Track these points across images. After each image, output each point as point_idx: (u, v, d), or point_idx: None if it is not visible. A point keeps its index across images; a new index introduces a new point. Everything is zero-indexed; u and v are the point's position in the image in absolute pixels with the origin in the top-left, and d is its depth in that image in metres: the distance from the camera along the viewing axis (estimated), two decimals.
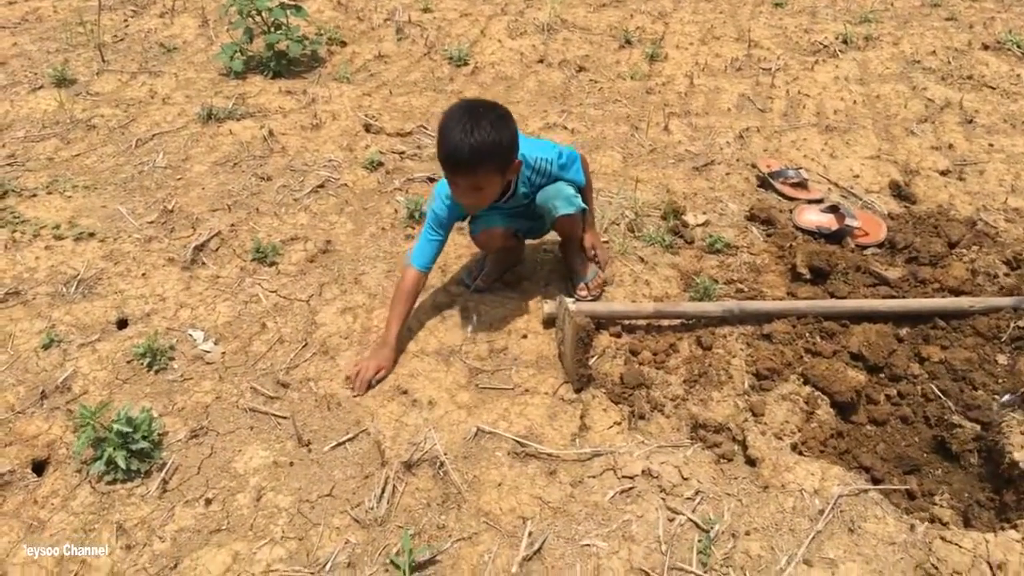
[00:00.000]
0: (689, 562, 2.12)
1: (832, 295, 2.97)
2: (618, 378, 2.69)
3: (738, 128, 4.24)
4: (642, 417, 2.55)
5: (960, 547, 2.10)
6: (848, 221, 3.29)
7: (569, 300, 2.69)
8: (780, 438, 2.48)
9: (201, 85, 4.78)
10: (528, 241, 3.18)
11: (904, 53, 5.05)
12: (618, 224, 3.47)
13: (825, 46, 5.20)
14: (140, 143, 4.13)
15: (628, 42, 5.26)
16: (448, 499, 2.30)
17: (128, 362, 2.76)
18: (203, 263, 3.25)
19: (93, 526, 2.21)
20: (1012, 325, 2.74)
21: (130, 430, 2.35)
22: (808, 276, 3.07)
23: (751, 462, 2.42)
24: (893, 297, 2.94)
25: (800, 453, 2.45)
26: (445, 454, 2.39)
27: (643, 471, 2.35)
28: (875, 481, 2.38)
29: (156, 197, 3.68)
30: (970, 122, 4.26)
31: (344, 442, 2.48)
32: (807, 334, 2.80)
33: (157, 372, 2.72)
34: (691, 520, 2.22)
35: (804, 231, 3.36)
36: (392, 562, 2.12)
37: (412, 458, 2.39)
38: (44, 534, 2.19)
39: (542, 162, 2.69)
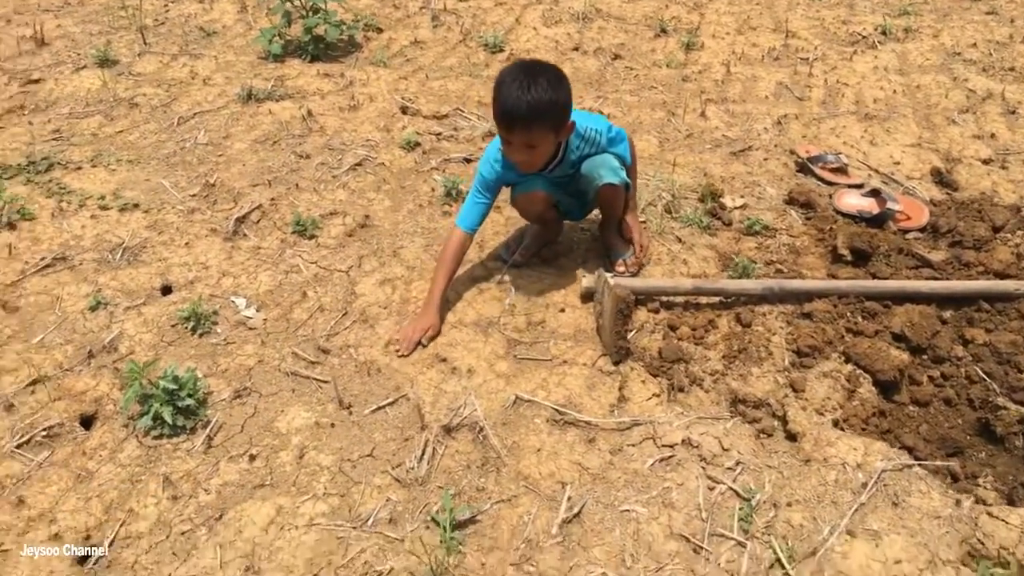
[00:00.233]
0: (730, 529, 2.11)
1: (874, 276, 2.95)
2: (656, 352, 2.69)
3: (776, 115, 4.22)
4: (681, 390, 2.54)
5: (1007, 523, 2.07)
6: (890, 205, 3.26)
7: (608, 273, 2.69)
8: (821, 414, 2.46)
9: (240, 68, 4.83)
10: (566, 223, 3.20)
11: (944, 45, 4.99)
12: (655, 205, 3.47)
13: (864, 37, 5.16)
14: (182, 121, 4.19)
15: (663, 31, 5.25)
16: (487, 462, 2.31)
17: (172, 326, 2.80)
18: (244, 235, 3.29)
19: (140, 478, 2.25)
20: None
21: (176, 387, 2.38)
22: (849, 257, 3.04)
23: (791, 437, 2.40)
24: (936, 279, 2.91)
25: (841, 429, 2.43)
26: (484, 420, 2.40)
27: (683, 440, 2.34)
28: (918, 460, 2.36)
29: (198, 172, 3.73)
30: (1012, 112, 4.21)
31: (384, 406, 2.50)
32: (848, 314, 2.78)
33: (201, 336, 2.76)
34: (732, 489, 2.22)
35: (844, 215, 3.34)
36: (433, 519, 2.13)
37: (452, 422, 2.40)
38: (92, 484, 2.23)
39: (592, 132, 2.71)
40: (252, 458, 2.31)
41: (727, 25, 5.39)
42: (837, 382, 2.57)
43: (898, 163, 3.80)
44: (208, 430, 2.39)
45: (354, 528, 2.12)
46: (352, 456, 2.33)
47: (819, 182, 3.63)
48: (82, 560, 2.05)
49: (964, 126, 4.08)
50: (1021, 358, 2.61)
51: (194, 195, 3.54)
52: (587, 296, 2.88)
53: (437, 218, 3.42)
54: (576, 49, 5.07)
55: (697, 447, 2.32)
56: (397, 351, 2.66)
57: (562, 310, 2.88)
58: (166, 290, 3.01)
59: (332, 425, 2.43)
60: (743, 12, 5.60)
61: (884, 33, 5.18)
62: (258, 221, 3.37)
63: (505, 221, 3.39)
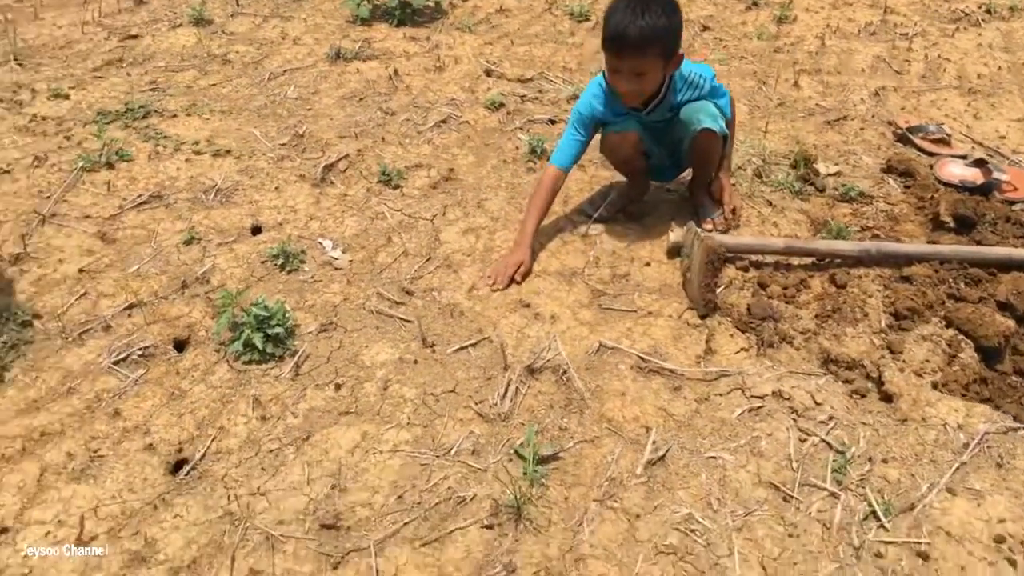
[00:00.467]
0: (823, 479, 2.04)
1: (979, 244, 2.81)
2: (745, 309, 2.62)
3: (873, 86, 4.07)
4: (770, 346, 2.47)
5: None
6: (996, 175, 3.11)
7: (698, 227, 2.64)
8: (920, 375, 2.36)
9: (329, 30, 4.90)
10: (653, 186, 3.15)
11: None
12: (744, 169, 3.38)
13: (967, 14, 4.94)
14: (272, 77, 4.27)
15: (755, 4, 5.13)
16: (571, 404, 2.29)
17: (262, 263, 2.85)
18: (331, 182, 3.34)
19: (230, 398, 2.29)
20: None
21: (267, 315, 2.42)
22: (952, 225, 2.91)
23: (887, 398, 2.31)
24: None
25: (940, 393, 2.33)
26: (568, 363, 2.38)
27: (773, 392, 2.28)
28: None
29: (287, 123, 3.80)
30: None
31: (467, 346, 2.50)
32: (950, 279, 2.66)
33: (289, 273, 2.81)
34: (824, 441, 2.14)
35: (946, 184, 3.20)
36: (516, 452, 2.12)
37: (535, 364, 2.38)
38: (184, 401, 2.28)
39: (697, 77, 2.66)
40: (338, 387, 2.34)
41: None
42: (937, 346, 2.47)
43: (1003, 137, 3.63)
44: (296, 359, 2.42)
45: (437, 456, 2.12)
46: (435, 391, 2.34)
47: (919, 152, 3.49)
48: (175, 470, 2.10)
49: None
50: None
51: (284, 144, 3.60)
52: (674, 251, 2.83)
53: (521, 174, 3.41)
54: None
55: (788, 399, 2.25)
56: (491, 286, 2.67)
57: (647, 264, 2.83)
58: (256, 230, 3.07)
59: (415, 361, 2.44)
60: None
61: (989, 12, 4.96)
62: (345, 170, 3.41)
63: (590, 179, 3.36)
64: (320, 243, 2.96)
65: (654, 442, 2.16)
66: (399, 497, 2.01)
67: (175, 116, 3.81)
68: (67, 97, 3.94)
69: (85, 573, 1.81)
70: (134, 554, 1.85)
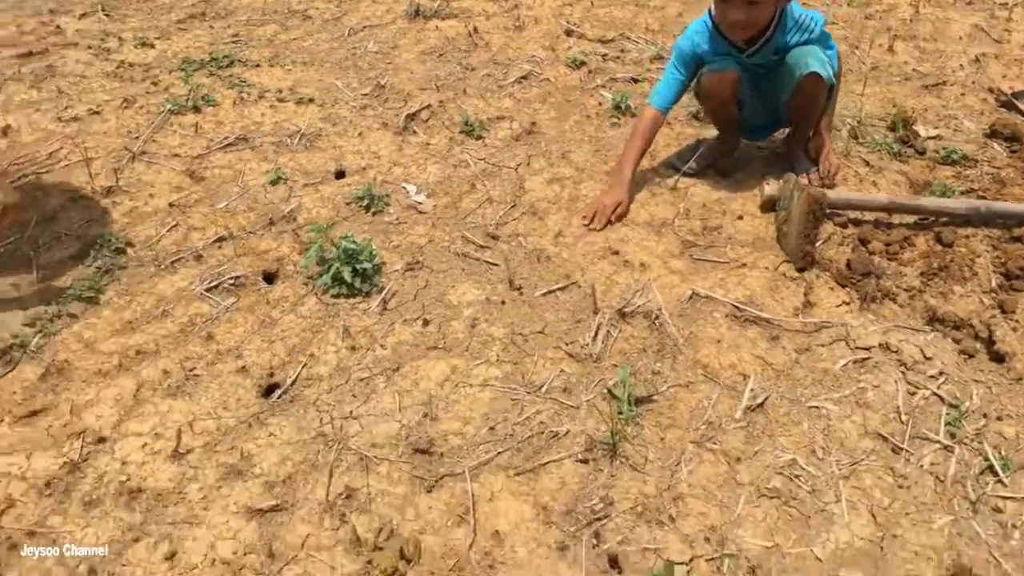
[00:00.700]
0: (936, 432, 1.95)
1: None
2: (844, 264, 2.52)
3: (972, 53, 3.90)
4: (873, 301, 2.37)
5: None
6: None
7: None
8: None
9: None
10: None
11: None
12: (839, 130, 3.26)
13: None
14: (352, 32, 4.27)
15: None
16: (664, 348, 2.22)
17: (347, 204, 2.85)
18: (414, 131, 3.31)
19: (320, 329, 2.29)
20: None
21: (355, 248, 2.41)
22: None
23: (998, 358, 2.20)
24: None
25: None
26: (662, 308, 2.31)
27: (879, 344, 2.18)
28: None
29: (368, 75, 3.79)
30: None
31: (555, 290, 2.45)
32: None
33: (374, 214, 2.79)
34: (936, 395, 2.04)
35: None
36: (610, 392, 2.07)
37: (626, 308, 2.32)
38: (275, 329, 2.28)
39: (808, 19, 2.56)
40: (426, 323, 2.31)
41: None
42: None
43: None
44: (383, 295, 2.40)
45: (528, 392, 2.08)
46: (523, 331, 2.30)
47: None
48: (267, 394, 2.09)
49: None
50: None
51: (365, 94, 3.59)
52: (768, 204, 2.73)
53: (606, 128, 3.34)
54: None
55: (896, 352, 2.16)
56: (586, 226, 2.62)
57: (740, 217, 2.75)
58: (340, 174, 3.06)
59: (503, 303, 2.40)
60: None
61: None
62: (427, 120, 3.39)
63: (676, 136, 3.28)
64: (404, 187, 2.94)
65: (752, 389, 2.08)
66: (491, 428, 1.98)
67: (258, 66, 3.83)
68: (152, 46, 4.00)
69: (182, 483, 1.82)
70: (230, 467, 1.85)
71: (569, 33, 4.27)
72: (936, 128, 3.28)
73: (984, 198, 2.80)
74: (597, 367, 2.16)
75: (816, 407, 2.04)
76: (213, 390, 2.07)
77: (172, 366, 2.12)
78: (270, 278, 2.50)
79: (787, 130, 3.01)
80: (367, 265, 2.43)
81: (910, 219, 2.68)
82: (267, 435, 1.95)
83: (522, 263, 2.57)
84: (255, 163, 3.07)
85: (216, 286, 2.41)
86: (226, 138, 3.20)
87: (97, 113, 3.35)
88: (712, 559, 1.68)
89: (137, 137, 3.17)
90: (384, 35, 4.24)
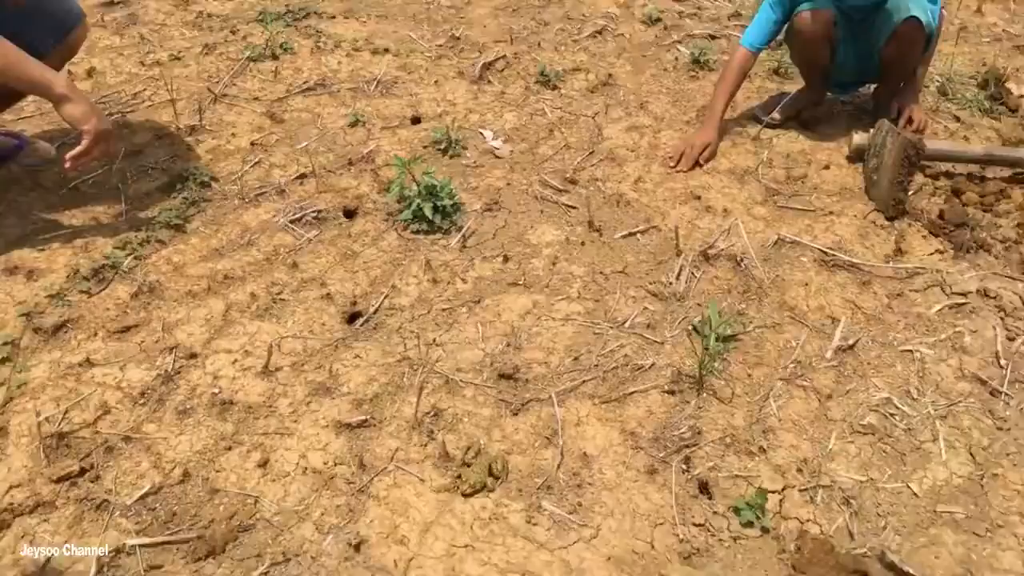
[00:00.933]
0: None
1: None
2: (937, 215, 2.44)
3: None
4: (968, 251, 2.29)
5: None
6: None
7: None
8: None
9: None
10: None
11: None
12: (927, 86, 3.15)
13: None
14: None
15: None
16: (749, 290, 2.18)
17: (424, 147, 2.85)
18: (489, 80, 3.30)
19: (401, 262, 2.29)
20: None
21: (437, 185, 2.41)
22: None
23: None
24: None
25: None
26: (749, 249, 2.27)
27: (977, 291, 2.11)
28: None
29: (442, 28, 3.78)
30: None
31: (635, 233, 2.42)
32: None
33: (451, 157, 2.79)
34: None
35: None
36: (695, 329, 2.03)
37: (710, 251, 2.28)
38: (357, 261, 2.30)
39: None
40: (506, 259, 2.31)
41: None
42: None
43: None
44: (462, 233, 2.40)
45: (611, 327, 2.06)
46: (604, 270, 2.27)
47: None
48: (350, 321, 2.11)
49: None
50: None
51: (440, 45, 3.58)
52: (857, 154, 2.66)
53: (684, 82, 3.28)
54: None
55: (995, 298, 2.09)
56: (672, 167, 2.58)
57: (826, 167, 2.68)
58: (416, 120, 3.07)
59: (582, 243, 2.38)
60: None
61: None
62: (503, 70, 3.37)
63: (756, 89, 3.21)
64: (481, 132, 2.93)
65: (842, 332, 2.03)
66: (575, 359, 1.96)
67: (333, 18, 3.85)
68: None
69: (272, 398, 1.84)
70: (319, 385, 1.87)
71: None
72: None
73: None
74: (681, 306, 2.13)
75: (909, 351, 1.98)
76: (299, 314, 2.09)
77: (259, 290, 2.15)
78: (350, 214, 2.52)
79: (874, 86, 2.92)
80: (447, 203, 2.43)
81: (1004, 172, 2.59)
82: (353, 357, 1.96)
83: (601, 207, 2.55)
84: (333, 107, 3.08)
85: (299, 219, 2.44)
86: (305, 83, 3.23)
87: (178, 59, 3.40)
88: (805, 489, 1.65)
89: (218, 81, 3.21)
90: None
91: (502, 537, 1.55)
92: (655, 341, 2.02)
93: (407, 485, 1.64)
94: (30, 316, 2.01)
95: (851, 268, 2.23)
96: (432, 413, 1.80)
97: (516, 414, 1.81)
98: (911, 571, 1.48)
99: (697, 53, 3.40)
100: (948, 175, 2.60)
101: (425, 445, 1.73)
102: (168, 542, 1.54)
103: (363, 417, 1.78)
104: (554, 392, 1.85)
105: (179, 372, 1.90)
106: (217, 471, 1.68)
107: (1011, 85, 3.13)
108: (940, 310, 2.07)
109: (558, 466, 1.69)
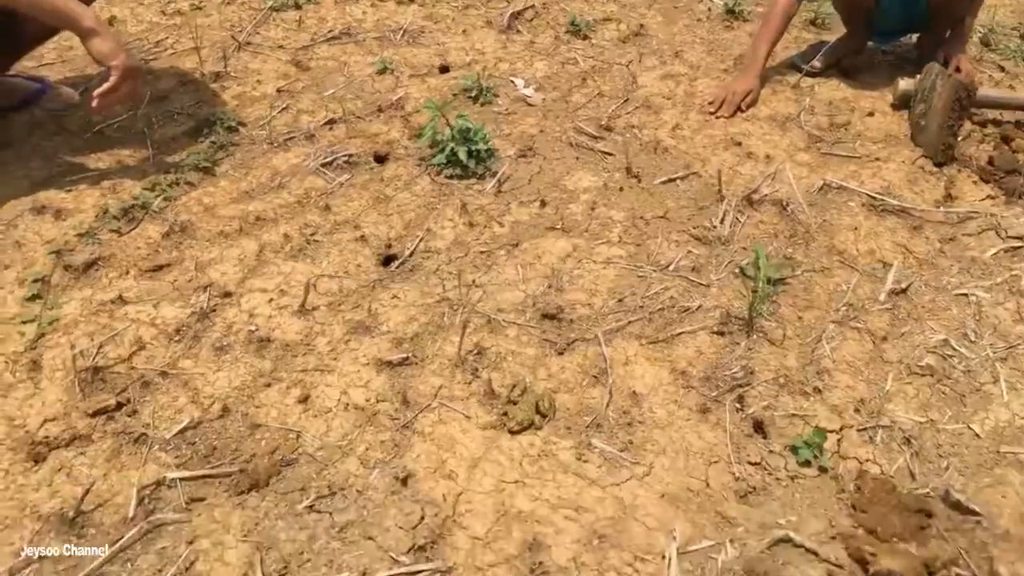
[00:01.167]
0: None
1: None
2: (986, 161, 2.36)
3: None
4: (1019, 197, 2.21)
5: None
6: None
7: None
8: None
9: None
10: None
11: None
12: (970, 37, 3.05)
13: None
14: None
15: None
16: (796, 235, 2.12)
17: (454, 95, 2.77)
18: (518, 30, 3.21)
19: (435, 206, 2.24)
20: None
21: (471, 128, 2.34)
22: None
23: None
24: None
25: None
26: (795, 194, 2.20)
27: None
28: None
29: None
30: None
31: (674, 179, 2.35)
32: None
33: (482, 104, 2.72)
34: None
35: None
36: (742, 271, 1.97)
37: (754, 196, 2.22)
38: (390, 205, 2.24)
39: None
40: (543, 204, 2.24)
41: None
42: None
43: None
44: (497, 178, 2.34)
45: (655, 271, 2.00)
46: (644, 215, 2.21)
47: None
48: (385, 263, 2.06)
49: None
50: None
51: None
52: (902, 102, 2.58)
53: (718, 31, 3.19)
54: None
55: None
56: (712, 113, 2.51)
57: (870, 114, 2.60)
58: (444, 69, 2.99)
59: (621, 189, 2.32)
60: None
61: None
62: (531, 19, 3.28)
63: (795, 39, 3.12)
64: (512, 81, 2.86)
65: (895, 276, 1.96)
66: (619, 300, 1.91)
67: None
68: None
69: (310, 336, 1.80)
70: (357, 323, 1.83)
71: None
72: None
73: None
74: (726, 249, 2.07)
75: (964, 294, 1.92)
76: (334, 255, 2.04)
77: (292, 231, 2.10)
78: (381, 159, 2.46)
79: (917, 36, 2.83)
80: (482, 147, 2.36)
81: None
82: (391, 298, 1.91)
83: (638, 153, 2.48)
84: (359, 56, 3.01)
85: (330, 163, 2.38)
86: (329, 32, 3.15)
87: (199, 8, 3.33)
88: (864, 429, 1.59)
89: (241, 30, 3.14)
90: None
91: (552, 473, 1.50)
92: (701, 284, 1.96)
93: (452, 422, 1.60)
94: (60, 254, 1.96)
95: (901, 213, 2.16)
96: (475, 352, 1.75)
97: (561, 353, 1.76)
98: (977, 510, 1.43)
99: (731, 3, 3.31)
100: (996, 123, 2.52)
101: (469, 383, 1.68)
102: (209, 476, 1.50)
103: (404, 355, 1.73)
104: (600, 332, 1.79)
105: (214, 310, 1.85)
106: (257, 407, 1.64)
107: None
108: (995, 254, 2.00)
109: (607, 404, 1.64)
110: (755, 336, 1.80)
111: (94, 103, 2.03)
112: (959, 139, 2.39)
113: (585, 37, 3.16)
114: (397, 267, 2.03)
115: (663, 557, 1.37)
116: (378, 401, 1.64)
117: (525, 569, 1.35)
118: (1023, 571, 1.35)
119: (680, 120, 2.60)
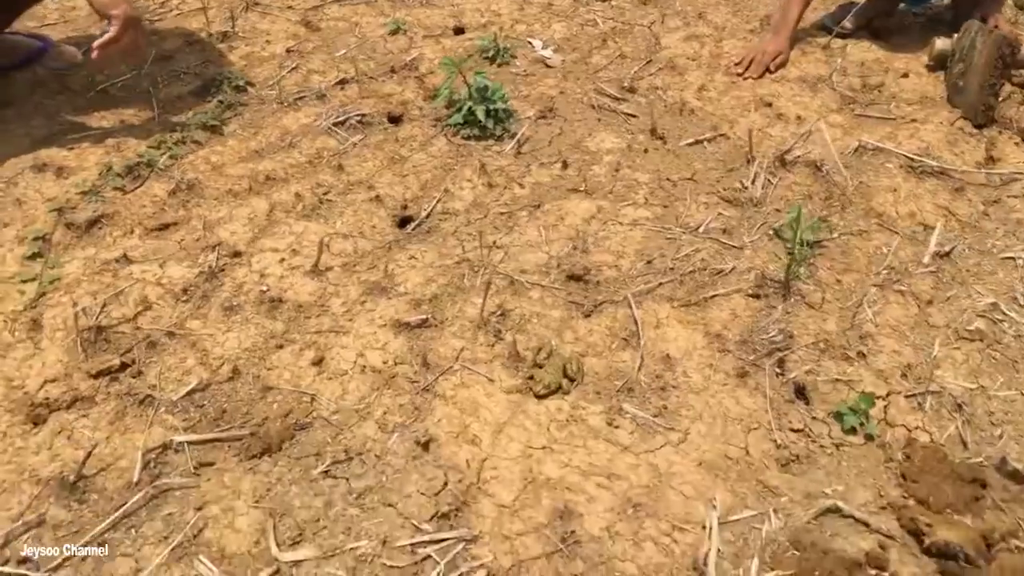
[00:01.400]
0: None
1: None
2: None
3: None
4: None
5: None
6: None
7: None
8: None
9: None
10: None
11: None
12: None
13: None
14: None
15: None
16: (831, 197, 2.02)
17: (470, 56, 2.67)
18: None
19: (452, 167, 2.14)
20: None
21: (489, 87, 2.24)
22: None
23: None
24: None
25: None
26: (832, 154, 2.10)
27: None
28: None
29: None
30: None
31: (702, 140, 2.25)
32: None
33: (500, 66, 2.62)
34: None
35: None
36: (776, 233, 1.87)
37: (786, 157, 2.11)
38: (406, 165, 2.14)
39: None
40: (565, 165, 2.15)
41: None
42: None
43: None
44: (516, 139, 2.24)
45: (684, 232, 1.91)
46: (671, 177, 2.11)
47: None
48: (401, 225, 1.96)
49: None
50: None
51: None
52: (938, 62, 2.46)
53: None
54: None
55: None
56: (740, 74, 2.41)
57: (904, 75, 2.49)
58: (459, 30, 2.88)
59: (646, 150, 2.22)
60: None
61: None
62: None
63: (823, 1, 2.99)
64: (530, 42, 2.75)
65: (938, 239, 1.86)
66: (647, 262, 1.82)
67: None
68: None
69: (324, 297, 1.71)
70: (373, 284, 1.74)
71: None
72: None
73: None
74: (758, 211, 1.97)
75: (1011, 257, 1.82)
76: (348, 215, 1.95)
77: (304, 191, 2.01)
78: (395, 120, 2.36)
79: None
80: (500, 106, 2.26)
81: None
82: (408, 259, 1.82)
83: (663, 115, 2.38)
84: (371, 16, 2.91)
85: (342, 123, 2.29)
86: None
87: None
88: (912, 395, 1.50)
89: None
90: None
91: (582, 439, 1.42)
92: (733, 246, 1.86)
93: (475, 385, 1.51)
94: (62, 212, 1.88)
95: (941, 175, 2.05)
96: (498, 313, 1.66)
97: (588, 316, 1.66)
98: None
99: None
100: None
101: (492, 345, 1.59)
102: (219, 439, 1.42)
103: (423, 316, 1.64)
104: (629, 294, 1.70)
105: (223, 270, 1.77)
106: (269, 369, 1.55)
107: None
108: None
109: (639, 368, 1.54)
110: (792, 299, 1.70)
111: (94, 54, 1.93)
112: (999, 100, 2.28)
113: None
114: (414, 228, 1.94)
115: (703, 527, 1.28)
116: (396, 363, 1.55)
117: (556, 538, 1.26)
118: None
119: (706, 81, 2.49)
